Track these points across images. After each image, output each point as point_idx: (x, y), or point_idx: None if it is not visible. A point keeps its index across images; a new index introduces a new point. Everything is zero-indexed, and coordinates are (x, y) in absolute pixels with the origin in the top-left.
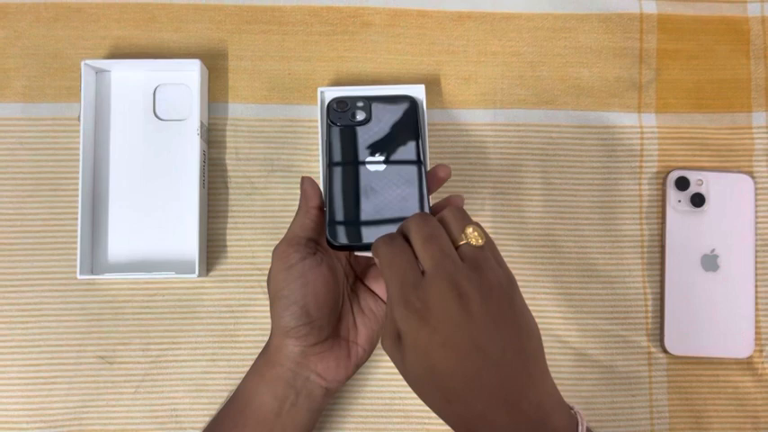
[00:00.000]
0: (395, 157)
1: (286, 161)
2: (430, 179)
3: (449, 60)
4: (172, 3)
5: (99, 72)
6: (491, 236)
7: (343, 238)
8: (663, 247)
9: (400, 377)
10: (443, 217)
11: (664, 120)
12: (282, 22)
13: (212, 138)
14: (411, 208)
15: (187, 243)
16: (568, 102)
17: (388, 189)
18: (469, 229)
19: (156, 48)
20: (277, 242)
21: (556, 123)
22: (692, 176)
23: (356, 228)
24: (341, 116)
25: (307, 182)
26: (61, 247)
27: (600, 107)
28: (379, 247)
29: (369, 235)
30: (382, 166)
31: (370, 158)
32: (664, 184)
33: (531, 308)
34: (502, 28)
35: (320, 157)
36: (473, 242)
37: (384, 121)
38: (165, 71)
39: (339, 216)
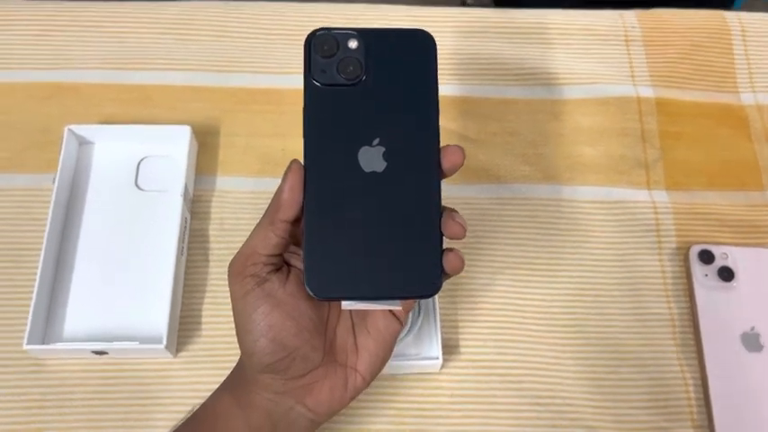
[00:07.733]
0: (400, 145)
1: None
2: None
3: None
4: (170, 84)
5: (83, 144)
6: (505, 313)
7: (327, 286)
8: (696, 325)
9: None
10: None
11: (676, 197)
12: (281, 102)
13: (196, 209)
14: (421, 246)
15: (157, 317)
16: (575, 177)
17: (389, 205)
18: None
19: (148, 123)
20: None
21: (564, 198)
22: (716, 250)
23: (347, 270)
24: (326, 67)
25: (289, 179)
26: (13, 320)
27: (608, 183)
28: None
29: (365, 281)
30: (382, 164)
31: (364, 148)
32: (686, 259)
33: (556, 395)
34: (500, 111)
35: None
36: None
37: (387, 77)
38: (151, 142)
39: (320, 252)
